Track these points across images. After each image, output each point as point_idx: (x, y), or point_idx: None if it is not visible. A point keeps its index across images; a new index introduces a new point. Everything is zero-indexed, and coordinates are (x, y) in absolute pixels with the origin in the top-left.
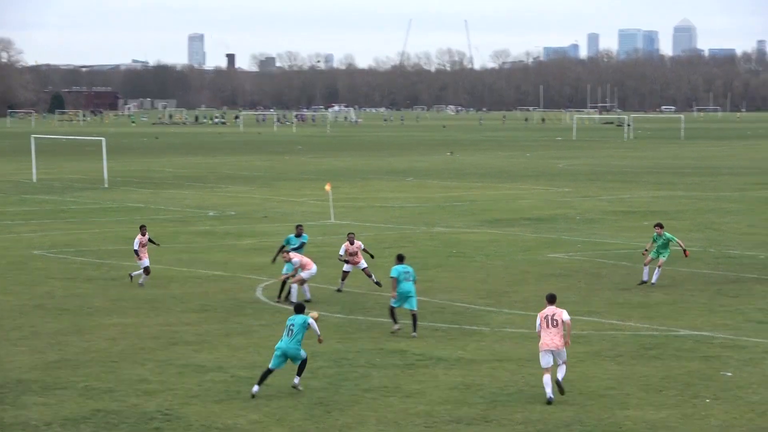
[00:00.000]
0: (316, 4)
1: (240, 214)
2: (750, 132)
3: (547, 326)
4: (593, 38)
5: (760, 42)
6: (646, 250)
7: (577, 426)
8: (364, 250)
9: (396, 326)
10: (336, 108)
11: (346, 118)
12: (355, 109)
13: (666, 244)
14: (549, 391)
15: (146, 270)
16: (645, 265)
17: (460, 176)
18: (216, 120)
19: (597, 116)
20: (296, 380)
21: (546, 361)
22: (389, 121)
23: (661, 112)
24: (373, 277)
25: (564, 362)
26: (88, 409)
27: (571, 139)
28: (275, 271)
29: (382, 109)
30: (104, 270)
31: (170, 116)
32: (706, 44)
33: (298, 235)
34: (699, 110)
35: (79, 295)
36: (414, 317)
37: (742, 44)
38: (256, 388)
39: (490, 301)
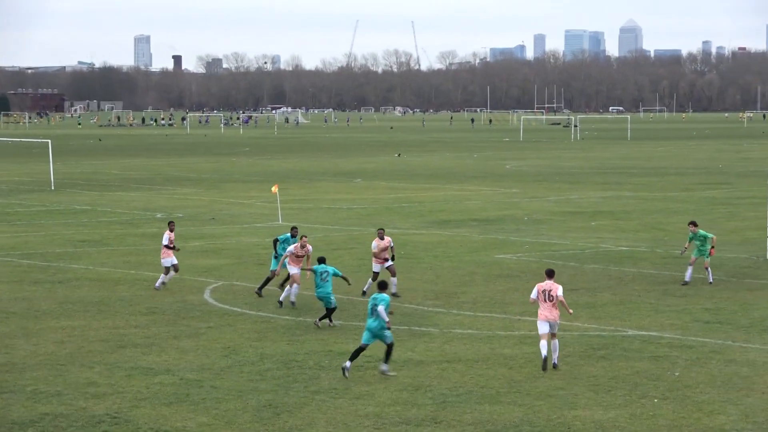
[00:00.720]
0: (262, 5)
1: (188, 216)
2: (696, 132)
3: (544, 300)
4: (540, 39)
5: (706, 43)
6: (685, 248)
7: (526, 426)
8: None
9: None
10: (283, 109)
11: (287, 119)
12: (302, 110)
13: (704, 241)
14: (544, 352)
15: (175, 267)
16: (690, 264)
17: (407, 177)
18: (163, 122)
19: (544, 117)
20: (384, 367)
21: (543, 329)
22: (331, 122)
23: (609, 112)
24: (394, 284)
25: (555, 335)
26: (36, 412)
27: (518, 140)
28: (224, 274)
29: (330, 111)
30: (51, 273)
31: (118, 118)
32: (652, 45)
33: (293, 236)
34: (645, 111)
35: (26, 298)
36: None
37: (688, 45)
38: (348, 363)
39: (439, 302)
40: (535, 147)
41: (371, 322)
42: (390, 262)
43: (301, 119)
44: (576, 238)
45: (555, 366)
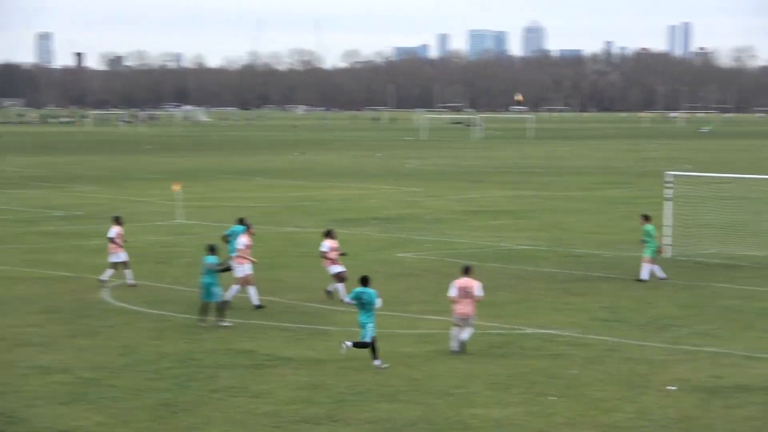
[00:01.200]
0: (165, 3)
1: (87, 214)
2: (597, 132)
3: (464, 297)
4: (443, 39)
5: (608, 43)
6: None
7: (424, 424)
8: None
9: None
10: (185, 107)
11: (190, 117)
12: (204, 108)
13: (650, 236)
14: (454, 344)
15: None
16: (646, 263)
17: (309, 176)
18: (65, 119)
19: (447, 116)
20: (376, 362)
21: (457, 320)
22: (233, 121)
23: (512, 112)
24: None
25: (471, 326)
26: None
27: (421, 139)
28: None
29: (233, 109)
30: None
31: (19, 115)
32: (555, 45)
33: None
34: (548, 110)
35: None
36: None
37: (590, 45)
38: (377, 362)
39: (338, 301)
40: (437, 146)
41: (361, 318)
42: (342, 268)
43: (202, 117)
44: (477, 237)
45: (463, 344)
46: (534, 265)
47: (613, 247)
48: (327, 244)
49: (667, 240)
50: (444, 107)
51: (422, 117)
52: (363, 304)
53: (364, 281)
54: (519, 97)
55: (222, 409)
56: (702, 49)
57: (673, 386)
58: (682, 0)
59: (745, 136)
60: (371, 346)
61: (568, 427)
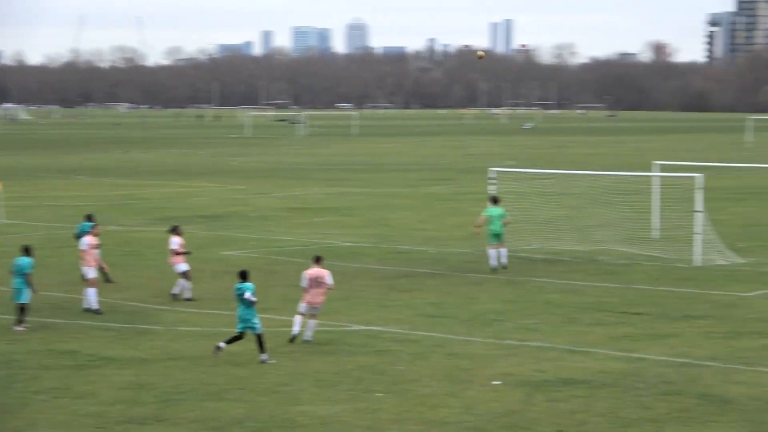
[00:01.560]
0: None
1: None
2: (420, 129)
3: (313, 286)
4: (267, 36)
5: (431, 40)
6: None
7: (250, 422)
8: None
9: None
10: (5, 105)
11: (5, 116)
12: (24, 106)
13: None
14: (296, 329)
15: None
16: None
17: (133, 174)
18: None
19: (272, 113)
20: (263, 356)
21: (303, 309)
22: (52, 119)
23: (338, 109)
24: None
25: (316, 317)
26: None
27: (246, 137)
28: None
29: (55, 107)
30: None
31: None
32: (378, 42)
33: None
34: (372, 107)
35: None
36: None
37: (413, 42)
38: (222, 344)
39: (164, 299)
40: (262, 143)
41: (240, 311)
42: (188, 266)
43: (23, 115)
44: (302, 234)
45: (308, 341)
46: (359, 262)
47: (438, 243)
48: (176, 241)
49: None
50: (268, 105)
51: (247, 114)
52: (242, 299)
53: (243, 276)
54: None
55: (45, 410)
56: (523, 46)
57: (497, 381)
58: None
59: (566, 133)
60: (259, 340)
61: (395, 423)
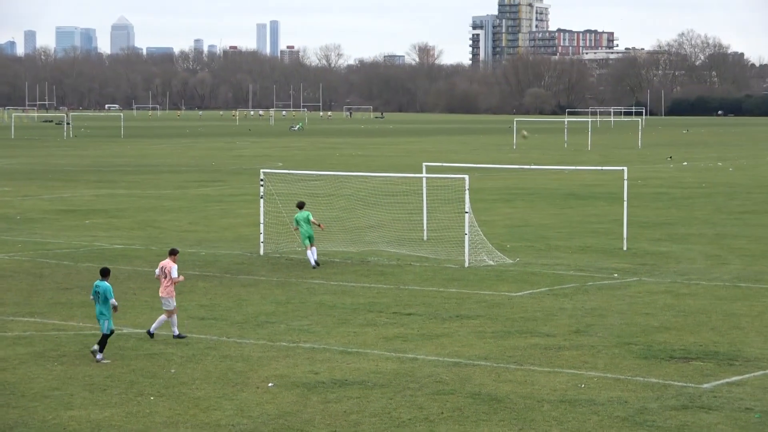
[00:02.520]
0: None
1: None
2: (189, 130)
3: (163, 277)
4: (30, 35)
5: (197, 41)
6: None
7: (22, 428)
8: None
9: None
10: None
11: None
12: None
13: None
14: (153, 327)
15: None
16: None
17: None
18: None
19: (36, 114)
20: (99, 356)
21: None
22: None
23: (107, 110)
24: None
25: (167, 311)
26: None
27: (10, 138)
28: None
29: None
30: None
31: None
32: (144, 43)
33: None
34: (139, 109)
35: None
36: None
37: (180, 43)
38: (96, 347)
39: None
40: (27, 145)
41: (99, 309)
42: None
43: None
44: (70, 237)
45: (151, 335)
46: (129, 265)
47: (209, 245)
48: None
49: (260, 237)
50: (33, 105)
51: (11, 115)
52: (99, 297)
53: (103, 273)
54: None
55: None
56: (290, 47)
57: (271, 383)
58: None
59: (335, 134)
60: (103, 341)
61: (168, 426)
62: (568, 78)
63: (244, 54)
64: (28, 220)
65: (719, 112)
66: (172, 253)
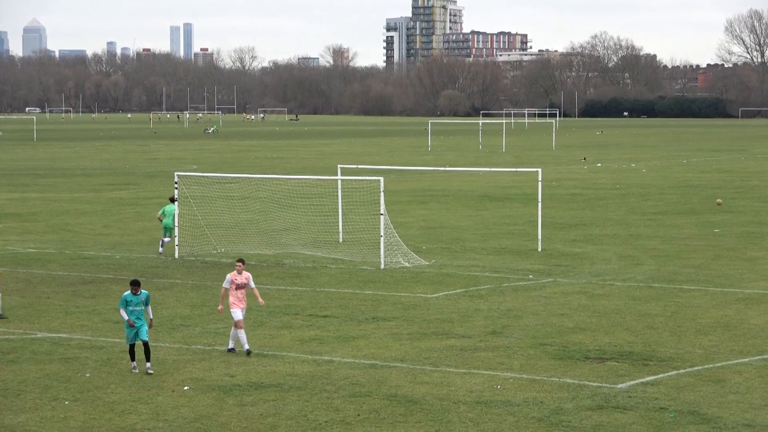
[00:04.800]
0: None
1: None
2: (102, 133)
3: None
4: None
5: (110, 43)
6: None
7: None
8: None
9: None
10: None
11: None
12: None
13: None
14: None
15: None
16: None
17: None
18: None
19: None
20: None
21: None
22: None
23: (27, 113)
24: None
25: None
26: None
27: None
28: None
29: None
30: None
31: None
32: (56, 45)
33: None
34: (52, 112)
35: None
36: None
37: (93, 45)
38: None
39: None
40: None
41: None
42: None
43: None
44: None
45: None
46: (43, 269)
47: (123, 248)
48: None
49: (175, 240)
50: None
51: None
52: (134, 306)
53: (137, 284)
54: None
55: None
56: (204, 50)
57: (187, 386)
58: (184, 1)
59: (249, 137)
60: (147, 348)
61: (84, 431)
62: (483, 80)
63: (158, 56)
64: None
65: (625, 113)
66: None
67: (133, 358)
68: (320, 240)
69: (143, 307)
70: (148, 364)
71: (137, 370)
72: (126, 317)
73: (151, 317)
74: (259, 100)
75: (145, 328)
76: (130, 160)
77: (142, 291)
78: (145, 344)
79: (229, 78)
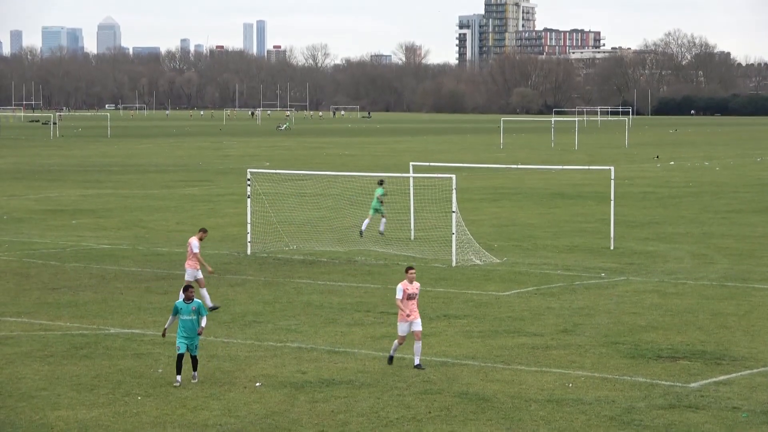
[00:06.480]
0: None
1: None
2: (176, 130)
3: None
4: (16, 35)
5: (184, 41)
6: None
7: (8, 429)
8: None
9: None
10: None
11: None
12: None
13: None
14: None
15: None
16: None
17: None
18: None
19: (23, 114)
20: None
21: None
22: None
23: (105, 109)
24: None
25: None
26: None
27: None
28: None
29: None
30: None
31: None
32: (130, 43)
33: None
34: (126, 108)
35: None
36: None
37: (166, 43)
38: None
39: None
40: (14, 144)
41: (189, 328)
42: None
43: None
44: (57, 237)
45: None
46: (116, 265)
47: None
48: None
49: (247, 237)
50: (19, 105)
51: None
52: (187, 315)
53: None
54: None
55: None
56: (277, 47)
57: (259, 382)
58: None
59: (321, 134)
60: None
61: (155, 426)
62: (555, 77)
63: (231, 54)
64: (15, 220)
65: (692, 111)
66: (202, 230)
67: (178, 371)
68: (392, 237)
69: (195, 317)
70: (195, 373)
71: (179, 384)
72: (166, 325)
73: (203, 325)
74: (332, 98)
75: (196, 342)
76: (202, 156)
77: (195, 300)
78: (194, 358)
79: (302, 75)
